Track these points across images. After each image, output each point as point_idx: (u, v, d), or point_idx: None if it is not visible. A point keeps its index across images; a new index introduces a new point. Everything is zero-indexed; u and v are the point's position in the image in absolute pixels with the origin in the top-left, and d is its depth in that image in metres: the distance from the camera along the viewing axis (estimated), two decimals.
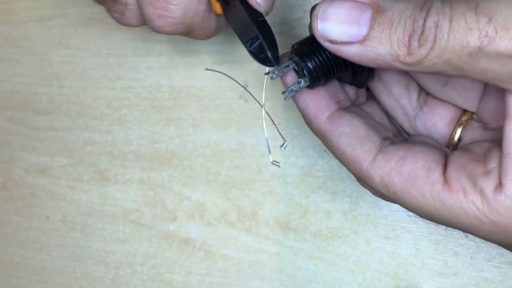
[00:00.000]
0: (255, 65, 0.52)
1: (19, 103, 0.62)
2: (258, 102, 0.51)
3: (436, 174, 0.36)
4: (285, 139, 0.52)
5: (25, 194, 0.63)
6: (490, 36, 0.31)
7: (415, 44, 0.32)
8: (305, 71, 0.39)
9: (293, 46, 0.40)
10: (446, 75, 0.34)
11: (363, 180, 0.39)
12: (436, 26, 0.32)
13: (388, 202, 0.43)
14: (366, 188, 0.41)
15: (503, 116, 0.39)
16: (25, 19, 0.60)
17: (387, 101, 0.45)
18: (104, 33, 0.58)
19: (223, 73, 0.53)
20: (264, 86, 0.42)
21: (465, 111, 0.44)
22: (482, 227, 0.35)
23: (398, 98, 0.45)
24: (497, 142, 0.37)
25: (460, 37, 0.31)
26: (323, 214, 0.52)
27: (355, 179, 0.41)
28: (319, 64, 0.39)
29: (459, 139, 0.44)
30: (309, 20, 0.38)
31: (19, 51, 0.61)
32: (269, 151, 0.50)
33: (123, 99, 0.58)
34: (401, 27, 0.33)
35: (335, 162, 0.49)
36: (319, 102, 0.41)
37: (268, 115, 0.50)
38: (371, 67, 0.37)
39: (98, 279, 0.61)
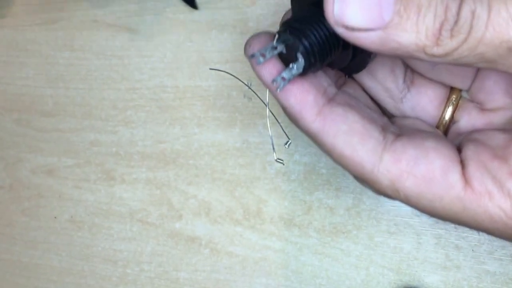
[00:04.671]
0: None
1: (26, 105, 0.61)
2: (262, 100, 0.50)
3: (456, 175, 0.31)
4: (289, 137, 0.51)
5: (32, 194, 0.63)
6: None
7: (446, 34, 0.27)
8: (298, 54, 0.31)
9: (282, 24, 0.33)
10: (470, 67, 0.30)
11: (367, 183, 0.34)
12: (473, 15, 0.27)
13: None
14: (366, 187, 0.36)
15: (502, 94, 0.37)
16: (30, 23, 0.60)
17: (370, 84, 0.40)
18: (108, 35, 0.57)
19: (227, 72, 0.52)
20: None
21: (452, 88, 0.40)
22: (507, 231, 0.31)
23: (383, 81, 0.39)
24: (509, 132, 0.34)
25: (500, 29, 0.26)
26: (326, 210, 0.52)
27: None
28: (317, 43, 0.31)
29: (451, 119, 0.39)
30: None
31: (25, 54, 0.61)
32: (273, 149, 0.50)
33: (128, 100, 0.58)
34: (431, 13, 0.27)
35: None
36: (305, 98, 0.33)
37: (272, 114, 0.50)
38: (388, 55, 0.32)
39: (106, 278, 0.60)
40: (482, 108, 0.39)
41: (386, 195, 0.34)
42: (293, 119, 0.34)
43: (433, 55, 0.28)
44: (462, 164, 0.32)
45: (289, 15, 0.36)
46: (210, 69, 0.54)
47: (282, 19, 0.37)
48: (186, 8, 0.54)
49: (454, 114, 0.39)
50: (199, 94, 0.55)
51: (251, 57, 0.33)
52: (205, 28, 0.53)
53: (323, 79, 0.35)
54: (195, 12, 0.54)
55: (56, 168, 0.61)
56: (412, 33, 0.27)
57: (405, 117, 0.40)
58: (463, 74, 0.39)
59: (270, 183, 0.54)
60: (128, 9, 0.56)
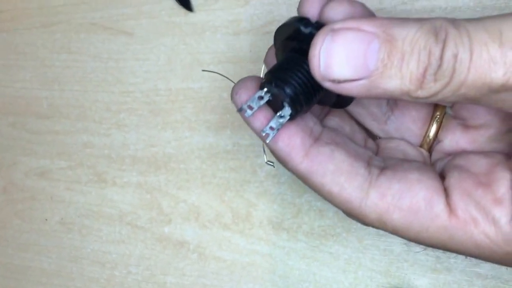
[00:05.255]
0: (251, 66, 0.51)
1: (21, 108, 0.60)
2: None
3: (440, 205, 0.32)
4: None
5: (25, 197, 0.61)
6: None
7: (430, 78, 0.27)
8: (284, 102, 0.32)
9: (266, 74, 0.33)
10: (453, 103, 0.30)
11: (355, 218, 0.35)
12: (456, 59, 0.27)
13: None
14: (354, 220, 0.36)
15: (484, 110, 0.36)
16: (28, 26, 0.59)
17: (354, 109, 0.40)
18: (104, 38, 0.56)
19: (219, 74, 0.51)
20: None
21: (436, 105, 0.39)
22: (494, 256, 0.31)
23: (367, 106, 0.39)
24: (492, 157, 0.34)
25: (482, 71, 0.26)
26: (316, 213, 0.50)
27: None
28: (302, 91, 0.32)
29: (435, 137, 0.39)
30: None
31: (23, 57, 0.60)
32: (264, 151, 0.48)
33: (122, 103, 0.57)
34: (414, 60, 0.27)
35: None
36: (292, 141, 0.33)
37: None
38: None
39: (94, 279, 0.59)
40: (465, 125, 0.38)
41: (373, 227, 0.34)
42: (282, 161, 0.35)
43: (418, 98, 0.28)
44: (446, 192, 0.32)
45: (272, 54, 0.37)
46: (203, 70, 0.53)
47: (265, 57, 0.38)
48: (182, 11, 0.53)
49: (439, 134, 0.39)
50: (191, 96, 0.54)
51: (239, 110, 0.33)
52: (199, 30, 0.53)
53: (309, 118, 0.35)
54: (191, 14, 0.53)
55: (49, 170, 0.60)
56: (397, 80, 0.28)
57: (390, 138, 0.40)
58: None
59: (260, 186, 0.52)
60: (125, 13, 0.55)
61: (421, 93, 0.28)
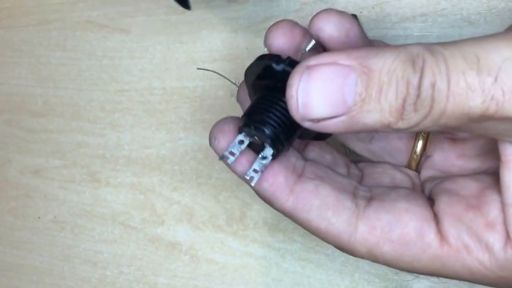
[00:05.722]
0: (247, 62, 0.49)
1: (16, 106, 0.59)
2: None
3: (431, 234, 0.31)
4: None
5: (19, 195, 0.59)
6: (497, 100, 0.25)
7: (409, 108, 0.26)
8: (265, 144, 0.31)
9: (243, 116, 0.32)
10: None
11: (345, 251, 0.33)
12: (433, 88, 0.25)
13: None
14: (344, 252, 0.34)
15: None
16: (25, 24, 0.58)
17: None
18: (100, 36, 0.55)
19: (214, 72, 0.50)
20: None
21: None
22: (487, 280, 0.30)
23: None
24: (481, 180, 0.32)
25: (460, 100, 0.25)
26: None
27: None
28: (280, 129, 0.31)
29: (422, 153, 0.37)
30: None
31: (18, 54, 0.58)
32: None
33: (116, 103, 0.55)
34: (392, 91, 0.26)
35: None
36: (276, 180, 0.33)
37: None
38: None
39: (85, 279, 0.57)
40: (452, 138, 0.37)
41: (363, 258, 0.33)
42: (267, 201, 0.34)
43: (399, 129, 0.27)
44: (436, 218, 0.31)
45: (245, 92, 0.36)
46: (198, 68, 0.52)
47: (238, 94, 0.38)
48: (179, 9, 0.52)
49: (427, 148, 0.38)
50: (186, 95, 0.52)
51: (220, 158, 0.33)
52: (196, 28, 0.51)
53: (291, 154, 0.34)
54: (188, 12, 0.51)
55: (43, 168, 0.58)
56: (376, 113, 0.26)
57: (375, 163, 0.39)
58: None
59: None
60: (122, 10, 0.54)
61: (401, 125, 0.27)
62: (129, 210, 0.55)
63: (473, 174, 0.34)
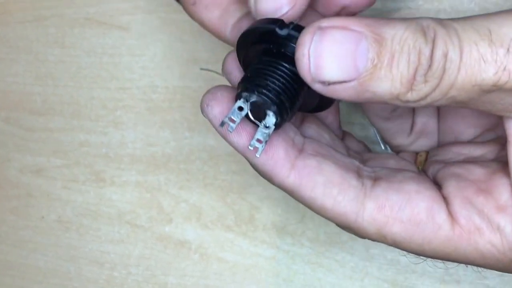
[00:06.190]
0: None
1: (14, 103, 0.57)
2: None
3: (442, 215, 0.30)
4: None
5: (20, 194, 0.58)
6: (509, 71, 0.25)
7: (420, 79, 0.25)
8: (269, 112, 0.29)
9: (240, 83, 0.30)
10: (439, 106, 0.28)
11: (352, 231, 0.32)
12: (446, 58, 0.25)
13: None
14: (349, 232, 0.33)
15: (472, 127, 0.36)
16: (21, 20, 0.56)
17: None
18: (99, 33, 0.53)
19: (217, 73, 0.49)
20: None
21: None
22: (498, 264, 0.30)
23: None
24: (488, 166, 0.32)
25: (472, 71, 0.25)
26: (320, 219, 0.48)
27: None
28: (285, 96, 0.29)
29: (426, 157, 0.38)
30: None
31: (15, 51, 0.56)
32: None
33: (118, 100, 0.54)
34: (404, 60, 0.25)
35: None
36: (275, 154, 0.30)
37: None
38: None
39: (92, 280, 0.57)
40: (457, 141, 0.37)
41: (370, 239, 0.32)
42: (267, 177, 0.31)
43: (407, 101, 0.26)
44: (446, 201, 0.31)
45: (233, 62, 0.34)
46: (201, 69, 0.50)
47: (225, 64, 0.34)
48: (179, 7, 0.50)
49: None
50: (189, 95, 0.51)
51: (221, 125, 0.29)
52: (197, 27, 0.50)
53: (288, 128, 0.32)
54: None
55: (44, 168, 0.57)
56: (387, 82, 0.26)
57: (375, 154, 0.38)
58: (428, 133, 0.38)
59: (264, 190, 0.50)
60: (120, 7, 0.52)
61: (411, 96, 0.26)
62: (136, 208, 0.55)
63: (479, 161, 0.34)
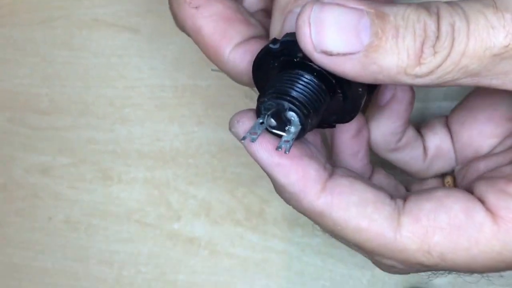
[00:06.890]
0: None
1: (20, 104, 0.57)
2: None
3: (480, 212, 0.28)
4: None
5: (26, 194, 0.58)
6: None
7: (428, 51, 0.25)
8: (289, 113, 0.27)
9: (259, 98, 0.29)
10: (452, 86, 0.27)
11: (391, 257, 0.30)
12: (453, 28, 0.25)
13: None
14: (392, 272, 0.32)
15: (490, 138, 0.36)
16: (29, 21, 0.56)
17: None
18: (107, 34, 0.54)
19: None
20: None
21: None
22: None
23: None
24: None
25: (482, 38, 0.24)
26: None
27: None
28: (302, 93, 0.27)
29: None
30: None
31: (22, 53, 0.56)
32: None
33: (126, 98, 0.54)
34: (409, 33, 0.25)
35: None
36: (307, 173, 0.29)
37: None
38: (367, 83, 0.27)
39: (101, 280, 0.56)
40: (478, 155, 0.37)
41: (418, 264, 0.30)
42: (294, 198, 0.30)
43: (416, 76, 0.26)
44: (481, 200, 0.29)
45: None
46: (212, 70, 0.50)
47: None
48: None
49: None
50: (198, 93, 0.51)
51: (243, 138, 0.29)
52: None
53: (318, 154, 0.31)
54: None
55: (51, 167, 0.57)
56: (394, 55, 0.25)
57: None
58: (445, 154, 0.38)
59: None
60: (129, 9, 0.52)
61: (419, 70, 0.25)
62: (144, 206, 0.55)
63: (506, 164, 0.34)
